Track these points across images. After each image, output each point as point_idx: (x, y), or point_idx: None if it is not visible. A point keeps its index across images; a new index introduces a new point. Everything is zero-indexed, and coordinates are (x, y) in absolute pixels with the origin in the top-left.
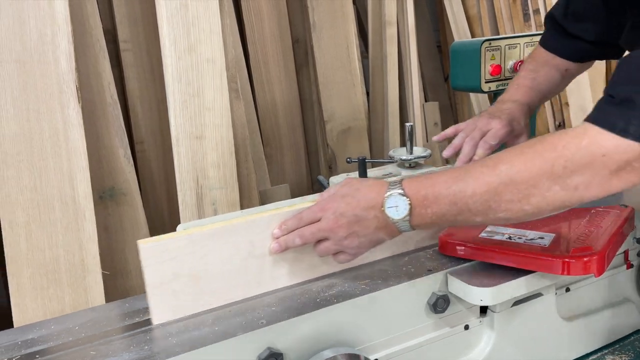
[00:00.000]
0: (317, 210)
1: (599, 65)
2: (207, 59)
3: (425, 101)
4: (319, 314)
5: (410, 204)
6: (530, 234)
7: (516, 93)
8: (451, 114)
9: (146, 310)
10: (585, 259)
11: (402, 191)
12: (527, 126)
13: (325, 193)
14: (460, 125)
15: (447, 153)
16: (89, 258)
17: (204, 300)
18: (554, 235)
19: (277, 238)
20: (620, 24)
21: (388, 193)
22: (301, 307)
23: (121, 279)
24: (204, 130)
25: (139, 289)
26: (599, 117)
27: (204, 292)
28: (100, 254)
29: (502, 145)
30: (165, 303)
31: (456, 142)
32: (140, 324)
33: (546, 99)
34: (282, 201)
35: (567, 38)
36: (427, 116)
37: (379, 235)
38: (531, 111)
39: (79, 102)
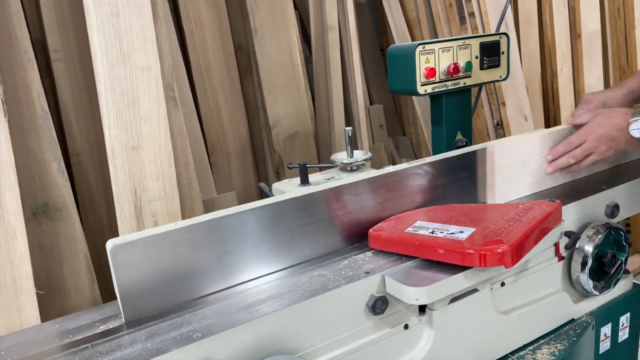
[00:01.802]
0: (582, 135)
1: (535, 67)
2: (141, 68)
3: (370, 104)
4: (257, 323)
5: None
6: (453, 228)
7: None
8: (396, 116)
9: (78, 329)
10: (498, 250)
11: None
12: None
13: (577, 118)
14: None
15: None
16: (21, 278)
17: None
18: (474, 229)
19: (551, 161)
20: None
21: (632, 119)
22: (238, 317)
23: (59, 297)
24: (140, 141)
25: (78, 307)
26: None
27: None
28: (36, 273)
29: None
30: None
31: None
32: (70, 345)
33: None
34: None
35: None
36: (373, 119)
37: (627, 147)
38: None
39: (6, 116)
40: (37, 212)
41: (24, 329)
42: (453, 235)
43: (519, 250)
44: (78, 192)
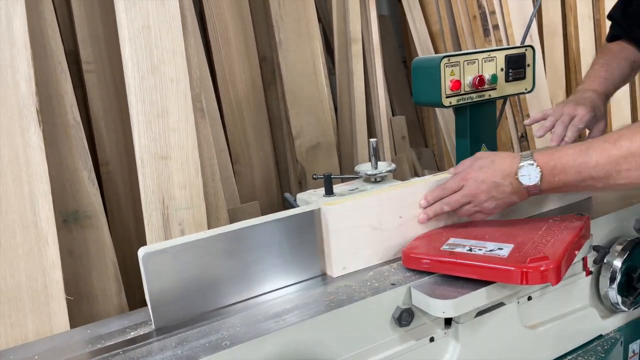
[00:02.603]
0: (459, 180)
1: (560, 79)
2: (170, 79)
3: (393, 115)
4: (283, 333)
5: (541, 173)
6: (490, 245)
7: (593, 83)
8: (418, 128)
9: (109, 335)
10: (542, 268)
11: (534, 162)
12: (605, 112)
13: (459, 167)
14: (548, 111)
15: (539, 133)
16: (52, 284)
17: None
18: (512, 245)
19: (425, 208)
20: None
21: (521, 164)
22: (265, 326)
23: (86, 304)
24: (169, 150)
25: (105, 314)
26: None
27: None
28: (65, 279)
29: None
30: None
31: (547, 124)
32: (102, 350)
33: (618, 88)
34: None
35: (629, 34)
36: (395, 130)
37: (512, 198)
38: (607, 98)
39: (40, 126)
40: (67, 219)
41: (55, 334)
42: (493, 252)
43: (565, 266)
44: (107, 200)
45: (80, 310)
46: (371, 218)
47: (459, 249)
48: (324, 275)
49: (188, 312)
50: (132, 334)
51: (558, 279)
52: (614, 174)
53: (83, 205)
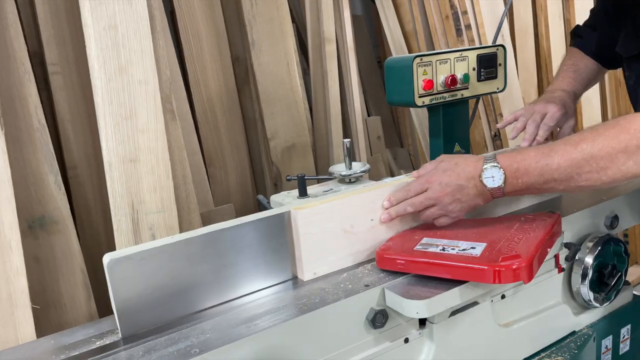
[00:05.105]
0: (423, 182)
1: (532, 78)
2: (139, 81)
3: (368, 116)
4: (255, 338)
5: (504, 175)
6: (463, 244)
7: (562, 83)
8: (394, 128)
9: (74, 345)
10: (514, 267)
11: (497, 164)
12: (575, 111)
13: (422, 170)
14: (519, 112)
15: (512, 135)
16: (17, 292)
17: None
18: (485, 244)
19: (387, 209)
20: (616, 36)
21: (485, 166)
22: (237, 331)
23: (55, 312)
24: (138, 153)
25: (74, 322)
26: None
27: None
28: (31, 287)
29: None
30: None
31: (519, 125)
32: None
33: (588, 87)
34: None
35: (584, 43)
36: (370, 130)
37: (477, 200)
38: (577, 97)
39: (2, 129)
40: (33, 225)
41: (20, 344)
42: (465, 251)
43: (537, 264)
44: (75, 205)
45: (48, 319)
46: (342, 221)
47: (432, 249)
48: (295, 278)
49: (157, 319)
50: (98, 343)
51: (530, 277)
52: (576, 176)
53: (49, 210)
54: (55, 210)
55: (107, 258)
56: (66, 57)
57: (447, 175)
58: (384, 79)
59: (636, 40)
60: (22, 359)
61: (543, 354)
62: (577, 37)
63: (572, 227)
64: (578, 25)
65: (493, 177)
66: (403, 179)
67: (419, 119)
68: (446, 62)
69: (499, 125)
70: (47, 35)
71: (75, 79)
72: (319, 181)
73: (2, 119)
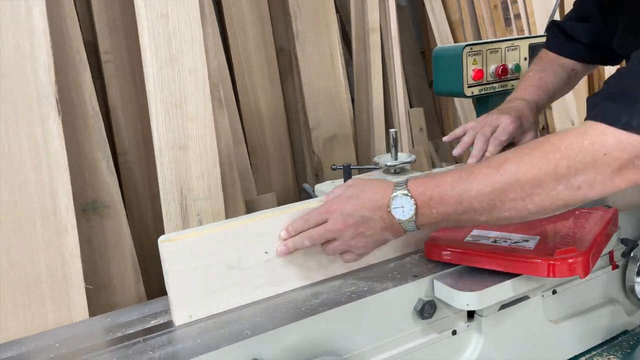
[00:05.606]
0: (323, 211)
1: None
2: (189, 69)
3: (410, 107)
4: (305, 323)
5: (415, 205)
6: (515, 237)
7: (524, 92)
8: (436, 120)
9: (128, 324)
10: (570, 261)
11: (408, 192)
12: (535, 123)
13: (330, 195)
14: (469, 124)
15: (457, 151)
16: (72, 273)
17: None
18: (538, 237)
19: (285, 240)
20: (613, 28)
21: (394, 194)
22: (286, 316)
23: (104, 293)
24: (187, 140)
25: (123, 303)
26: (600, 113)
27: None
28: (83, 268)
29: (510, 142)
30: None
31: (466, 139)
32: (122, 338)
33: (555, 97)
34: (269, 209)
35: (568, 39)
36: (413, 122)
37: (385, 235)
38: (539, 109)
39: (59, 115)
40: (86, 208)
41: (75, 322)
42: (518, 244)
43: (593, 259)
44: (124, 191)
45: (98, 299)
46: (226, 254)
47: (483, 241)
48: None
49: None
50: (152, 322)
51: (587, 271)
52: (498, 204)
53: (101, 195)
54: (107, 195)
55: (162, 239)
56: (118, 45)
57: (351, 204)
58: (427, 70)
59: (635, 36)
60: (79, 335)
61: (594, 352)
62: (554, 37)
63: (628, 223)
64: (554, 22)
65: (403, 208)
66: (310, 204)
67: (463, 110)
68: (497, 51)
69: (445, 139)
70: (101, 24)
71: (127, 68)
72: (362, 171)
73: (59, 105)
